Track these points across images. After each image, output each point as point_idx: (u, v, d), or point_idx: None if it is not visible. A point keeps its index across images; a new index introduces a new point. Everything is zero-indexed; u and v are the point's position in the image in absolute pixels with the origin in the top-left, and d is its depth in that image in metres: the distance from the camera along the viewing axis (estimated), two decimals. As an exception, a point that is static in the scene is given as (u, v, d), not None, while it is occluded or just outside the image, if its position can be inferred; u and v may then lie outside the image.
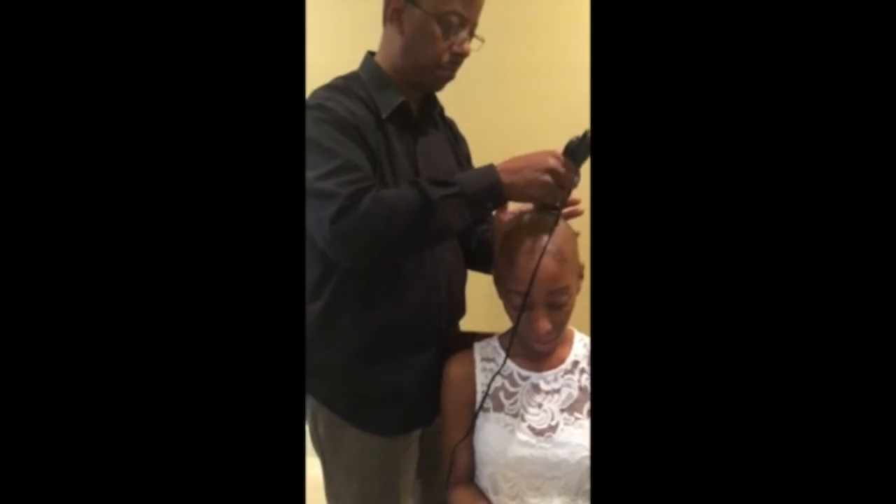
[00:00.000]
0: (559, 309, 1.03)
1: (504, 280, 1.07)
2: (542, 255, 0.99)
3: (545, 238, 1.00)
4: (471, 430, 1.11)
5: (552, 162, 0.98)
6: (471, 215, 0.99)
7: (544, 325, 1.02)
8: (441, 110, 1.28)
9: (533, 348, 1.08)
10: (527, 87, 1.94)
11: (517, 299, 1.04)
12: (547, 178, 0.97)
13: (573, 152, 1.00)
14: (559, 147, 1.01)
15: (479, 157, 1.37)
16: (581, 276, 1.12)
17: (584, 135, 0.99)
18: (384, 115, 1.11)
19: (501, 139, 1.77)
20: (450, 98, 1.25)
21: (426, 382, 1.16)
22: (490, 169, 1.00)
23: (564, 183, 0.99)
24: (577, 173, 1.01)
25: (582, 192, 1.06)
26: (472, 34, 1.11)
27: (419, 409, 1.19)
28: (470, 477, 1.13)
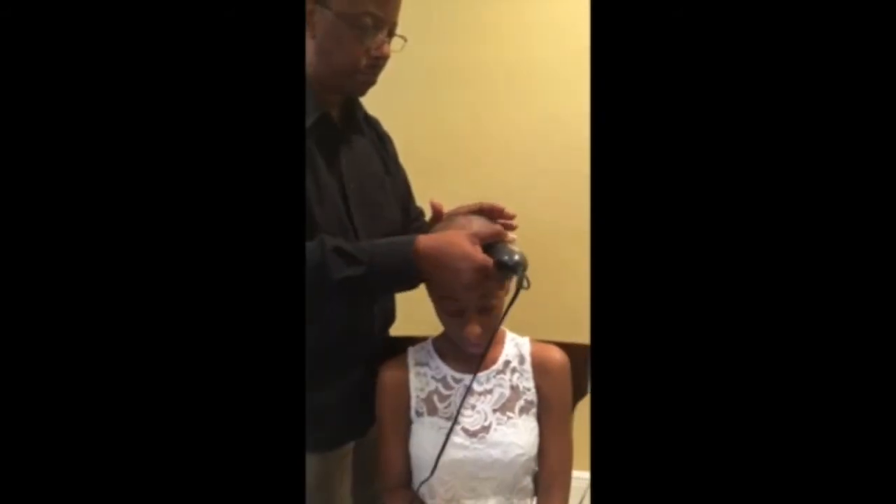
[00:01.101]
0: (489, 312, 1.05)
1: (435, 286, 1.08)
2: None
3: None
4: (407, 436, 1.11)
5: (474, 277, 0.93)
6: (378, 296, 0.98)
7: (474, 329, 1.04)
8: (364, 113, 1.23)
9: (467, 352, 1.10)
10: (462, 88, 1.97)
11: (449, 305, 1.05)
12: (464, 282, 0.94)
13: (505, 269, 0.96)
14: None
15: (408, 157, 1.34)
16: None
17: (523, 264, 0.95)
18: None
19: (431, 138, 1.75)
20: (376, 99, 1.21)
21: (359, 394, 1.13)
22: (408, 249, 0.95)
23: (482, 290, 0.96)
24: (501, 286, 0.98)
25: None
26: (392, 34, 1.06)
27: (353, 422, 1.17)
28: (406, 483, 1.12)
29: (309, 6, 1.01)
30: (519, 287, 0.95)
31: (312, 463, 1.10)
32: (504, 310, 1.04)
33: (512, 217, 1.10)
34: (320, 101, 1.07)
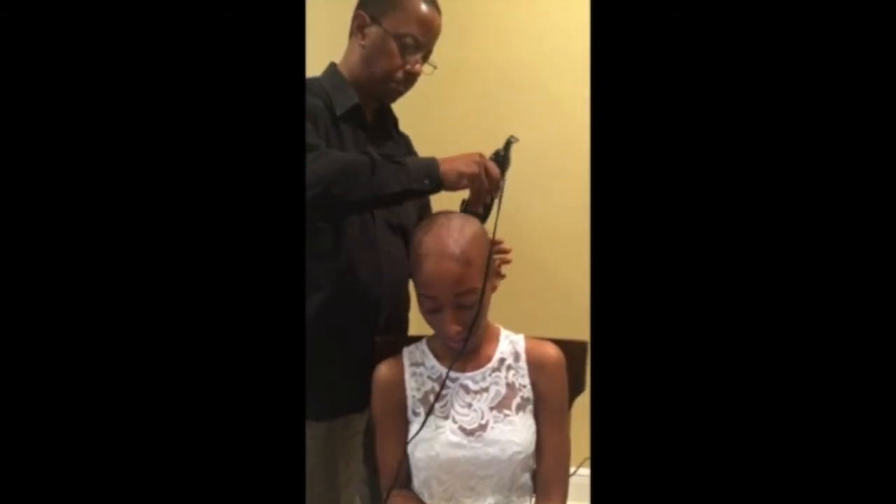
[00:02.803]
0: (468, 309, 1.05)
1: (415, 284, 1.08)
2: (445, 259, 1.02)
3: (450, 242, 1.03)
4: (405, 436, 1.10)
5: (479, 157, 1.11)
6: (409, 182, 1.07)
7: (453, 327, 1.04)
8: (396, 122, 1.38)
9: (450, 349, 1.09)
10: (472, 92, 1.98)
11: (426, 302, 1.06)
12: (475, 168, 1.09)
13: (498, 159, 1.14)
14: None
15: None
16: (499, 275, 1.15)
17: (506, 143, 1.15)
18: (339, 112, 1.21)
19: (433, 136, 1.81)
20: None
21: (361, 369, 1.17)
22: (430, 158, 1.13)
23: (490, 178, 1.11)
24: (501, 177, 1.13)
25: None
26: (425, 59, 1.26)
27: (352, 394, 1.20)
28: (406, 482, 1.12)
29: (361, 21, 1.23)
30: (498, 159, 1.14)
31: (311, 431, 1.12)
32: (499, 205, 1.14)
33: (507, 251, 1.23)
34: (357, 97, 1.24)
